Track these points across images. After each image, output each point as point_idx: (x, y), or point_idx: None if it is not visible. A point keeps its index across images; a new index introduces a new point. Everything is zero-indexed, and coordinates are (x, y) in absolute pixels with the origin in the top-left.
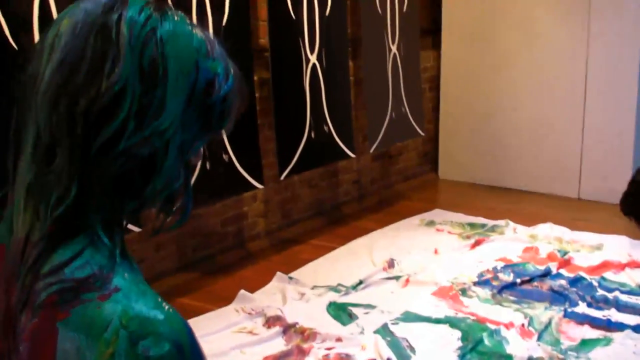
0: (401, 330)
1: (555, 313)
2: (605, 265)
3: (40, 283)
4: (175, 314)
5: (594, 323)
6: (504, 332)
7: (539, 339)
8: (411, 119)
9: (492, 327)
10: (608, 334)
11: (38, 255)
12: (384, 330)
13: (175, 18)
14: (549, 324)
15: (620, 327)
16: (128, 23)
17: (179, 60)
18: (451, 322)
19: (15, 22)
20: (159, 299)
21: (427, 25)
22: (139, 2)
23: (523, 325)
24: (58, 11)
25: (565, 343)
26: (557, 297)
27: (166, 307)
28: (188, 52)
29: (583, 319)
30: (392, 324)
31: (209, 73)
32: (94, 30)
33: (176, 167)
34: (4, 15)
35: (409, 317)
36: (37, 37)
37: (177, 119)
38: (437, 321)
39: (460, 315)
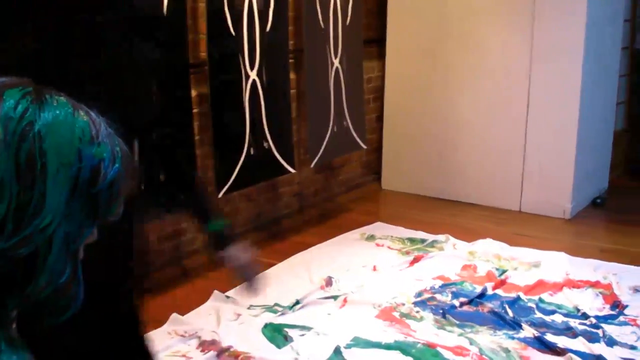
0: (353, 357)
1: (503, 339)
2: (542, 285)
3: None
4: None
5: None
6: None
7: None
8: (353, 132)
9: (444, 352)
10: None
11: None
12: (336, 356)
13: (56, 105)
14: (507, 351)
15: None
16: (2, 120)
17: (59, 152)
18: (402, 349)
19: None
20: None
21: (373, 34)
22: (15, 95)
23: (479, 355)
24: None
25: None
26: (498, 320)
27: None
28: (69, 142)
29: (538, 346)
30: (345, 348)
31: (93, 160)
32: None
33: (61, 260)
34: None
35: (359, 342)
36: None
37: (59, 213)
38: (388, 347)
39: (410, 340)
